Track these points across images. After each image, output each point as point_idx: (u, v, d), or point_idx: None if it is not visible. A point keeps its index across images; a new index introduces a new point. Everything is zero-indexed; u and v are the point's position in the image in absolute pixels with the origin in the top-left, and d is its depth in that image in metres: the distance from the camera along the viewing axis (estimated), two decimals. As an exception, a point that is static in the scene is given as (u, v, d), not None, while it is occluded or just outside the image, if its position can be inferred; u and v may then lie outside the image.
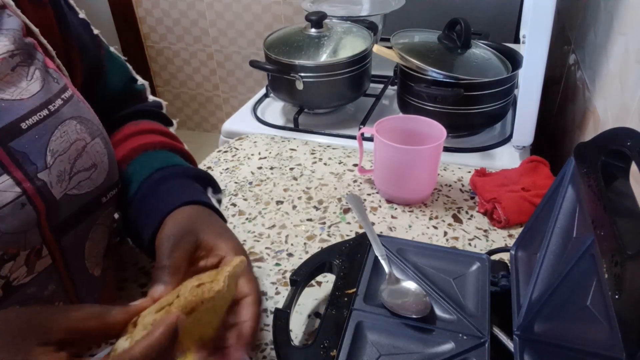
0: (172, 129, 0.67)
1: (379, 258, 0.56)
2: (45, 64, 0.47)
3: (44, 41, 0.49)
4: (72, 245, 0.47)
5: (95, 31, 0.60)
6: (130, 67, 0.66)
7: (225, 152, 0.94)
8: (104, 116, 0.54)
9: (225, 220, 0.55)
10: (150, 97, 0.69)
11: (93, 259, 0.51)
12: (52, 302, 0.47)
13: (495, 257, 0.59)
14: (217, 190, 0.60)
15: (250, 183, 0.84)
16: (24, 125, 0.42)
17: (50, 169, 0.43)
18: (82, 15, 0.58)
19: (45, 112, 0.44)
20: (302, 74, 0.95)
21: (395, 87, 1.00)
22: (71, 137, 0.45)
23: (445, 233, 0.72)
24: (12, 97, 0.42)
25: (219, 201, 0.60)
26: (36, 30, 0.49)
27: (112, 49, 0.63)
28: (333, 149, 0.94)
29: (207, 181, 0.59)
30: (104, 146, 0.50)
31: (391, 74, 1.15)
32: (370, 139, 0.80)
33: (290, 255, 0.68)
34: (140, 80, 0.67)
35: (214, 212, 0.53)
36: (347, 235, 0.72)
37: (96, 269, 0.52)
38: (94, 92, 0.58)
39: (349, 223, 0.74)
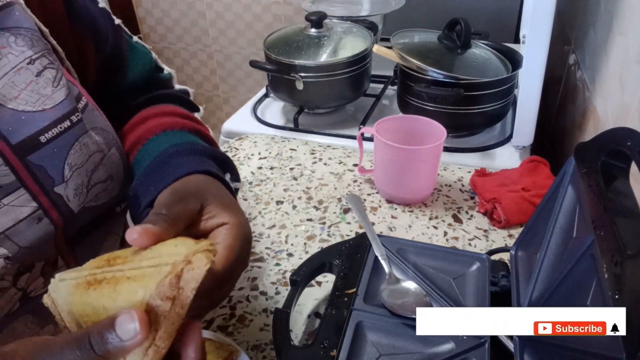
0: (198, 115, 0.62)
1: (379, 258, 0.56)
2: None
3: (54, 42, 0.47)
4: (86, 255, 0.46)
5: (117, 21, 0.57)
6: (155, 56, 0.62)
7: (225, 152, 0.94)
8: (124, 107, 0.51)
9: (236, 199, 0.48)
10: (177, 86, 0.65)
11: None
12: None
13: (495, 257, 0.59)
14: (235, 178, 0.53)
15: (250, 183, 0.84)
16: (43, 139, 0.41)
17: (67, 183, 0.42)
18: (102, 4, 0.55)
19: (67, 123, 0.42)
20: (302, 74, 0.95)
21: (395, 87, 1.00)
22: (90, 150, 0.44)
23: (445, 233, 0.72)
24: (34, 109, 0.41)
25: (236, 190, 0.53)
26: (46, 30, 0.46)
27: (135, 38, 0.60)
28: (333, 149, 0.94)
29: (226, 166, 0.52)
30: (119, 156, 0.48)
31: (391, 74, 1.15)
32: (370, 139, 0.80)
33: (290, 255, 0.68)
34: (167, 69, 0.64)
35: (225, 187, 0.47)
36: (347, 235, 0.72)
37: None
38: (112, 84, 0.57)
39: (349, 223, 0.74)
